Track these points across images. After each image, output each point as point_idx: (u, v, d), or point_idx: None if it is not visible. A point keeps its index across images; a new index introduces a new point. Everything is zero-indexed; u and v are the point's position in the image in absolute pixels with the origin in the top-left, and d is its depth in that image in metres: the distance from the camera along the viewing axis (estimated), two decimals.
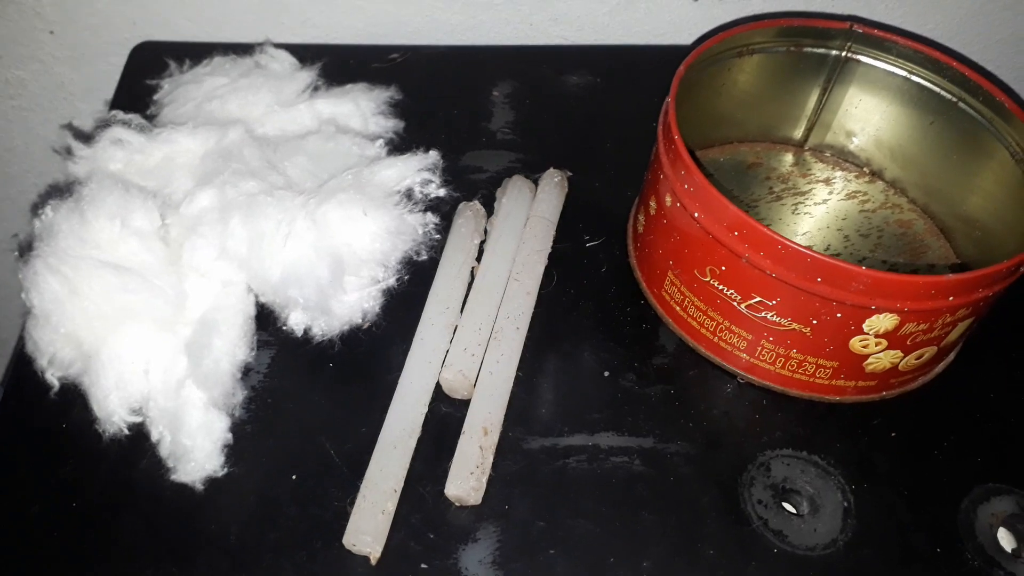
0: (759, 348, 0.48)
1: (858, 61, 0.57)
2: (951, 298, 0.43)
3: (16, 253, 0.49)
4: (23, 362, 0.48)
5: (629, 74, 0.70)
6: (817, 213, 0.59)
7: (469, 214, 0.56)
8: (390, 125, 0.63)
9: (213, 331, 0.47)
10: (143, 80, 0.65)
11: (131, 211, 0.49)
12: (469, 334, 0.50)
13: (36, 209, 0.50)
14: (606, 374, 0.51)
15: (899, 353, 0.46)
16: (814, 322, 0.45)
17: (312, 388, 0.49)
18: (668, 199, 0.48)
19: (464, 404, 0.48)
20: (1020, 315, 0.54)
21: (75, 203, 0.49)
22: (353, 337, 0.51)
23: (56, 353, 0.47)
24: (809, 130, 0.62)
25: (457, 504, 0.45)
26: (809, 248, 0.42)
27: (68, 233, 0.48)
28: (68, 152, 0.54)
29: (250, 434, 0.47)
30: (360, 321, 0.51)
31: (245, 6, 0.71)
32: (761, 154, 0.63)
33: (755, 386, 0.50)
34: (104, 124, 0.55)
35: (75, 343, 0.47)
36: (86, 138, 0.55)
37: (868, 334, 0.45)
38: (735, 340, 0.49)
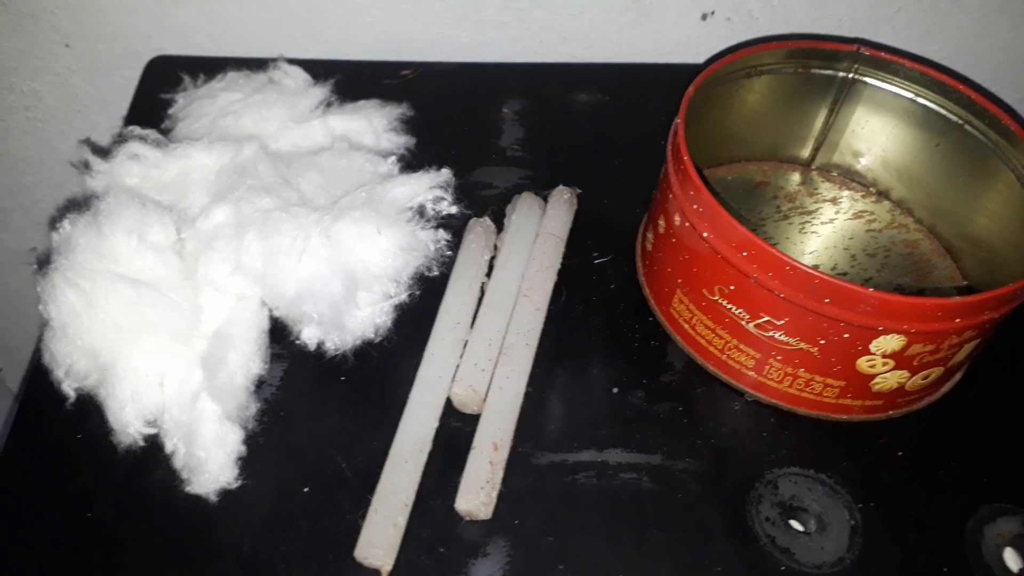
0: (767, 366, 0.49)
1: (865, 83, 0.58)
2: (958, 320, 0.44)
3: (34, 266, 0.50)
4: (40, 373, 0.49)
5: (637, 92, 0.71)
6: (824, 232, 0.60)
7: (479, 230, 0.57)
8: (402, 141, 0.63)
9: (228, 345, 0.48)
10: (158, 94, 0.66)
11: (147, 226, 0.50)
12: (479, 349, 0.50)
13: (54, 223, 0.50)
14: (615, 390, 0.51)
15: (906, 373, 0.47)
16: (822, 342, 0.45)
17: (324, 402, 0.50)
18: (677, 218, 0.49)
19: (474, 419, 0.48)
20: None
21: (93, 217, 0.50)
22: (365, 352, 0.52)
23: (73, 365, 0.47)
24: (816, 150, 0.63)
25: (467, 518, 0.45)
26: (816, 269, 0.43)
27: (86, 247, 0.48)
28: (86, 166, 0.55)
29: (263, 447, 0.48)
30: (372, 336, 0.52)
31: (258, 21, 0.72)
32: (768, 173, 0.64)
33: (763, 404, 0.51)
34: (121, 139, 0.56)
35: (91, 355, 0.47)
36: (103, 152, 0.56)
37: (875, 354, 0.45)
38: (743, 358, 0.49)
